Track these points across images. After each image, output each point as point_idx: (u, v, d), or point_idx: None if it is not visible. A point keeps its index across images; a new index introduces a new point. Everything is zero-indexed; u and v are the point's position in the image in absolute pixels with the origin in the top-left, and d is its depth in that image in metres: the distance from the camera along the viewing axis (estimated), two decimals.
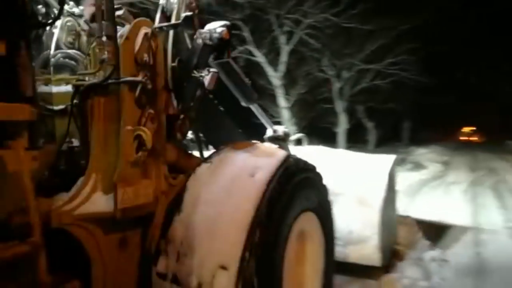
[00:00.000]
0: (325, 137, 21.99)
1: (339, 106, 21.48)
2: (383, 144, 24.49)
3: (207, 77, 2.52)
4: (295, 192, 2.42)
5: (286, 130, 3.41)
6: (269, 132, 3.48)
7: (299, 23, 17.16)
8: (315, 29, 18.06)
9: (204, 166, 2.44)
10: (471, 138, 54.33)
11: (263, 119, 3.40)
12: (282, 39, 17.26)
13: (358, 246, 3.88)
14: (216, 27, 2.57)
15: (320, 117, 22.14)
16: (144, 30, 2.20)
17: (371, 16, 18.41)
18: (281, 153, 2.60)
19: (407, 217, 5.52)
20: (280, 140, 3.30)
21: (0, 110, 1.50)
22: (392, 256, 4.40)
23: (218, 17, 8.26)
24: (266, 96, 17.24)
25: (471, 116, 50.80)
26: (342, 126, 21.45)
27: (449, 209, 7.65)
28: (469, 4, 25.54)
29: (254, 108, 3.22)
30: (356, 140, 22.84)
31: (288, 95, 18.26)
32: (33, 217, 1.61)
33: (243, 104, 3.04)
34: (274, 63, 17.25)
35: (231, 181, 2.27)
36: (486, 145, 39.46)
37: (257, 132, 3.31)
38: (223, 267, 2.01)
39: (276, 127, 3.43)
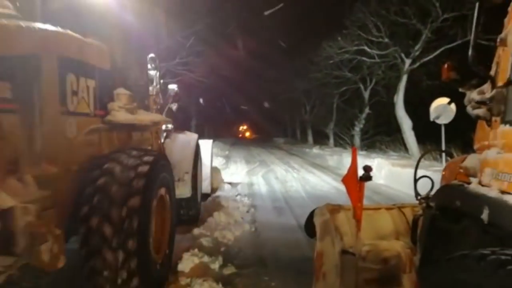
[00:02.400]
0: None
1: None
2: None
3: (174, 106, 6.77)
4: (198, 149, 6.69)
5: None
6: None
7: None
8: None
9: (168, 140, 6.18)
10: (245, 135, 62.54)
11: None
12: None
13: (202, 183, 7.59)
14: (174, 87, 6.79)
15: None
16: (155, 90, 5.98)
17: None
18: (195, 135, 6.76)
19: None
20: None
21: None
22: (214, 188, 8.85)
23: None
24: None
25: (245, 116, 57.96)
26: None
27: None
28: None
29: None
30: None
31: None
32: None
33: None
34: None
35: (181, 145, 6.19)
36: (257, 141, 45.76)
37: None
38: (187, 172, 5.86)
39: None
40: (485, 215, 1.67)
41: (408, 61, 16.68)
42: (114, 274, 3.12)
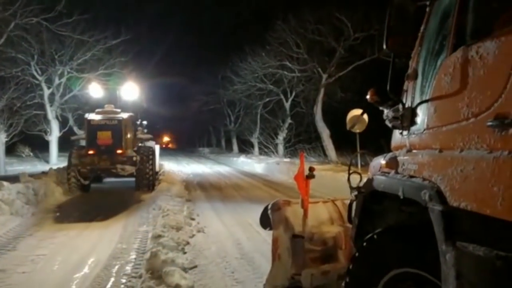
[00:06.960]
0: (39, 144, 20.69)
1: (50, 113, 20.65)
2: None
3: (145, 131, 15.34)
4: (155, 149, 14.07)
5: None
6: None
7: (8, 22, 15.82)
8: (25, 31, 17.04)
9: (146, 142, 14.09)
10: (169, 146, 62.77)
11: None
12: None
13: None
14: (145, 122, 16.07)
15: (33, 124, 20.60)
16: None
17: (86, 27, 18.94)
18: (153, 141, 14.83)
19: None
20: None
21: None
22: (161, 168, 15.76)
23: None
24: None
25: (168, 127, 57.70)
26: (54, 133, 20.67)
27: None
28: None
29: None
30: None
31: None
32: None
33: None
34: None
35: (149, 144, 14.00)
36: (182, 151, 45.83)
37: None
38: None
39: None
40: (400, 192, 2.53)
41: (324, 76, 18.33)
42: (147, 177, 12.00)
